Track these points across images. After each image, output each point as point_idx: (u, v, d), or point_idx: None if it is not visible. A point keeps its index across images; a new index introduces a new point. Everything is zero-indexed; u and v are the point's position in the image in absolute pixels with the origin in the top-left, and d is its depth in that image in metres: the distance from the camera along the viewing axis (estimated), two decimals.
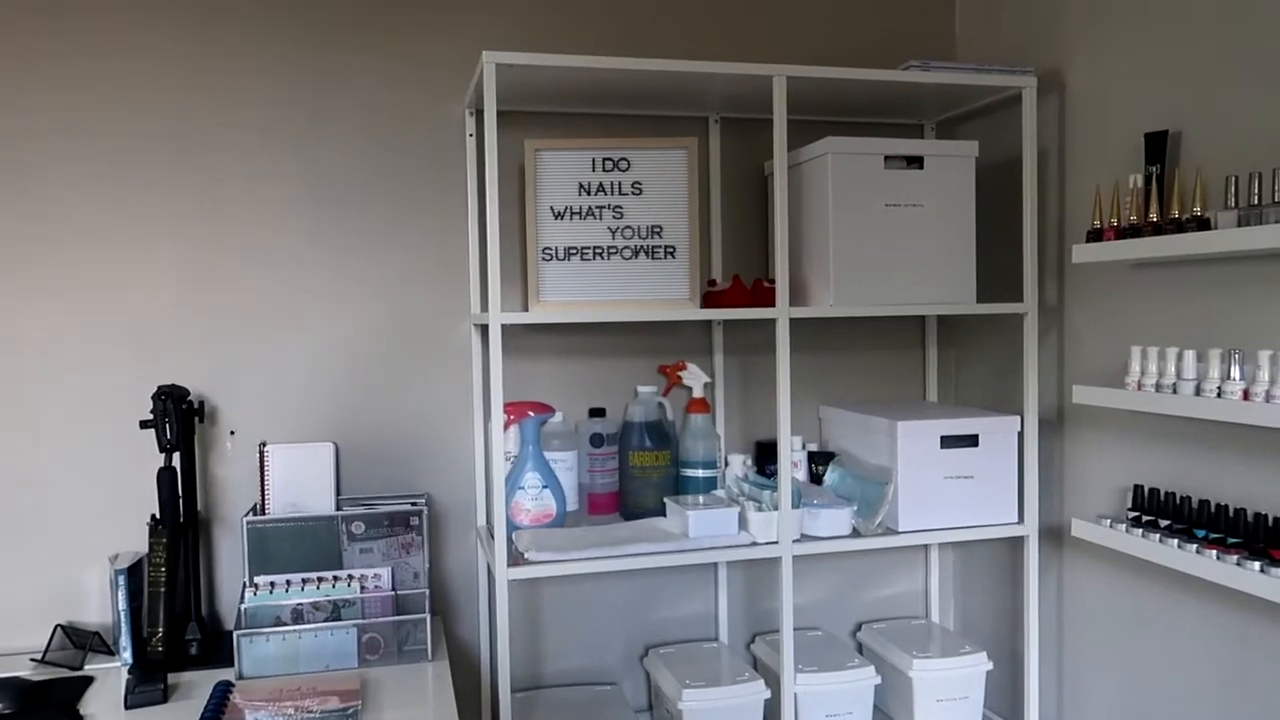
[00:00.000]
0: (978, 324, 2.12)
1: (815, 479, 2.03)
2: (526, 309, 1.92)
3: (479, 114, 1.93)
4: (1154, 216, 1.53)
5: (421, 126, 1.93)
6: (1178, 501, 1.55)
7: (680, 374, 2.01)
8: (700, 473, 1.96)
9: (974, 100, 1.98)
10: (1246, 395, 1.36)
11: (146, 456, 1.80)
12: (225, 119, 1.84)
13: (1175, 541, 1.48)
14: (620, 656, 2.07)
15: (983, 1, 2.10)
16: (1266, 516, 1.39)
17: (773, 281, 1.85)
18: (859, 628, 2.16)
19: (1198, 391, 1.43)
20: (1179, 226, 1.48)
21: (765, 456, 2.09)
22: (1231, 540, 1.43)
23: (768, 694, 1.81)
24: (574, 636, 2.04)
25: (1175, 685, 1.61)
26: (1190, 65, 1.56)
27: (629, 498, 1.95)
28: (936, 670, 1.88)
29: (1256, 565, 1.34)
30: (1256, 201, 1.36)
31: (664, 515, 1.88)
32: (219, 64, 1.84)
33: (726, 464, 2.03)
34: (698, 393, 2.00)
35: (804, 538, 1.78)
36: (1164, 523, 1.55)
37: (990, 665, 1.92)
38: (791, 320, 2.12)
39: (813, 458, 2.06)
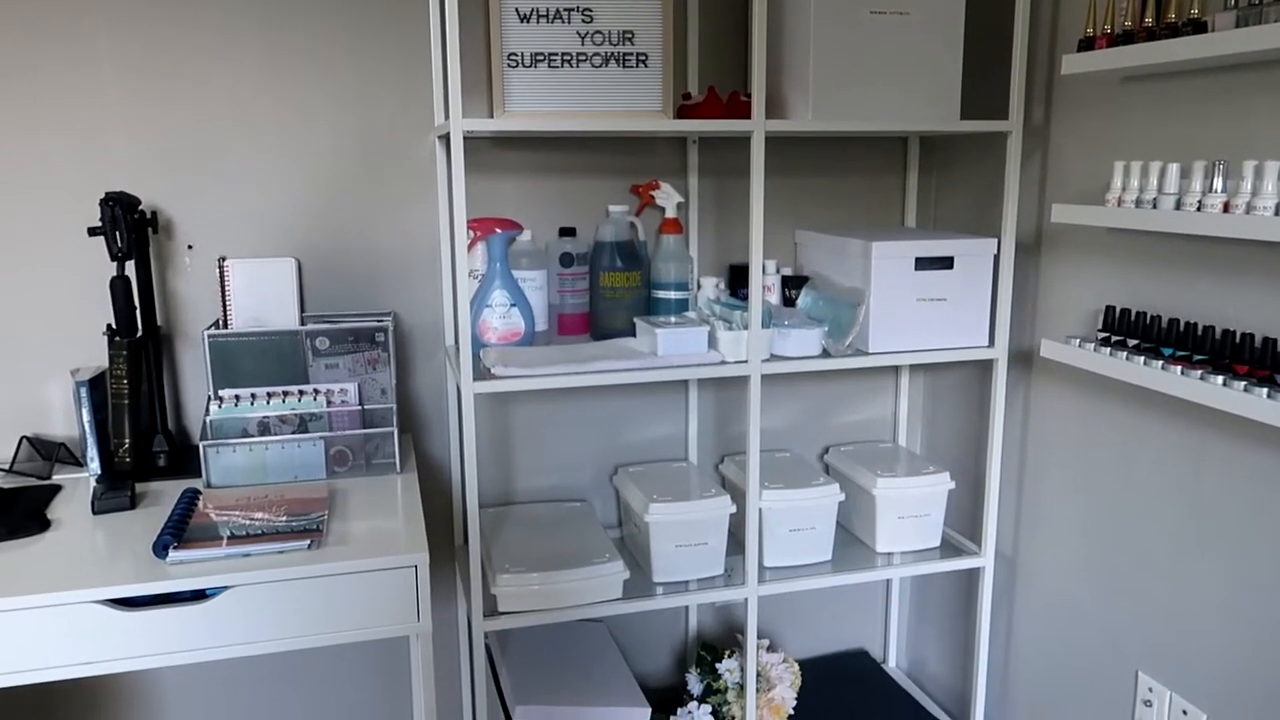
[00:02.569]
0: (960, 148, 2.06)
1: (789, 303, 2.01)
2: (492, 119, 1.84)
3: None
4: (1149, 21, 1.45)
5: None
6: (1148, 321, 1.54)
7: (653, 194, 1.95)
8: (672, 294, 1.94)
9: None
10: (1227, 208, 1.32)
11: (101, 269, 1.75)
12: None
13: (1141, 359, 1.48)
14: (591, 476, 2.10)
15: None
16: (1234, 333, 1.39)
17: (750, 95, 1.77)
18: (827, 450, 2.19)
19: (1178, 206, 1.40)
20: (1174, 31, 1.41)
21: (739, 280, 2.07)
22: (1198, 357, 1.43)
23: (733, 509, 1.85)
24: (545, 456, 2.07)
25: (1130, 502, 1.65)
26: None
27: (599, 319, 1.93)
28: (899, 489, 1.92)
29: (1219, 379, 1.34)
30: (1257, 0, 1.28)
31: (634, 336, 1.86)
32: None
33: (699, 286, 2.00)
34: (670, 213, 1.94)
35: (773, 357, 1.77)
36: (1133, 342, 1.55)
37: (952, 485, 1.96)
38: (770, 141, 2.06)
39: (787, 282, 2.03)
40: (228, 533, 1.39)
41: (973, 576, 2.08)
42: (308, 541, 1.38)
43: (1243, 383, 1.31)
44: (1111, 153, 1.65)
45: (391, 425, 1.72)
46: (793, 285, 2.01)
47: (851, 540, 2.02)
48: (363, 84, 1.83)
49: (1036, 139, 1.82)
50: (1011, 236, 1.81)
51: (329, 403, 1.71)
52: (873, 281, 1.78)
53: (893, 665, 2.37)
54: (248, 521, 1.44)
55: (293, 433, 1.68)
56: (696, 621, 2.22)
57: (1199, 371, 1.38)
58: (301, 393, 1.71)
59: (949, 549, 1.99)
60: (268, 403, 1.68)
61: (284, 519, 1.45)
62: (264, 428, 1.67)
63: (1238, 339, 1.38)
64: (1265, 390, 1.27)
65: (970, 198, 2.03)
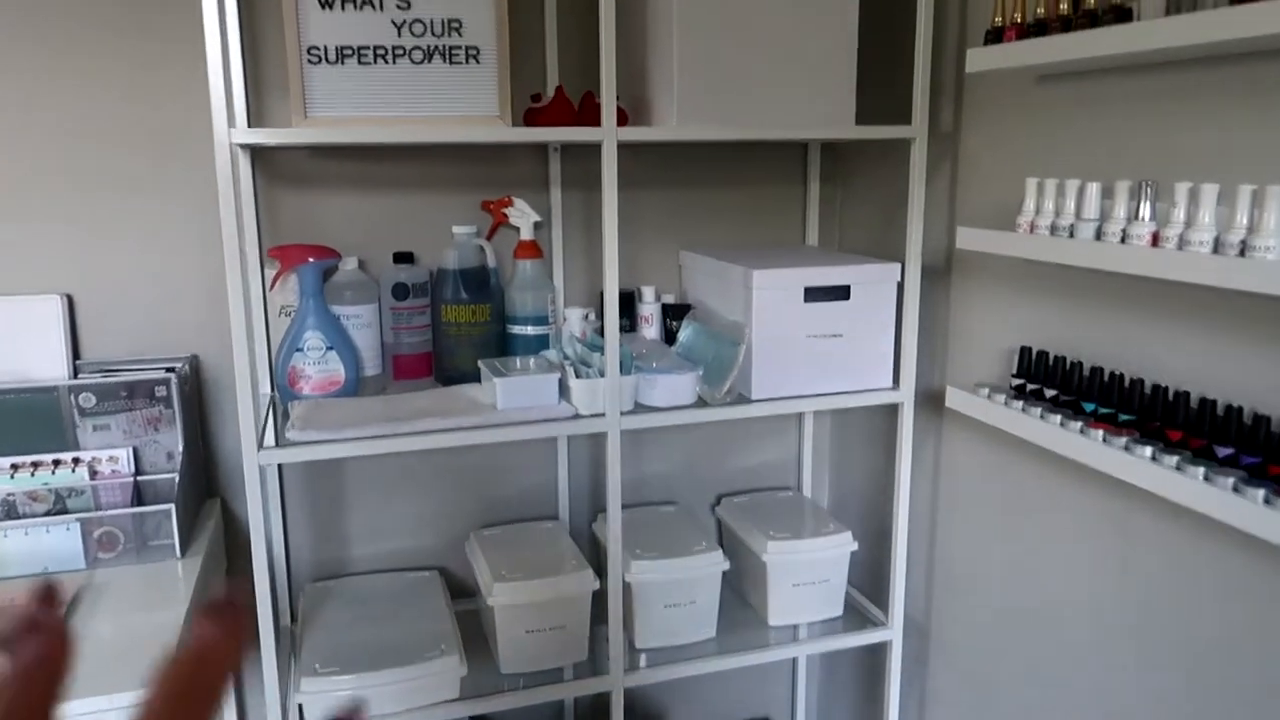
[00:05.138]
0: (867, 155, 1.80)
1: (671, 337, 1.74)
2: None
3: None
4: (1065, 8, 1.20)
5: None
6: (1067, 367, 1.28)
7: (506, 211, 1.67)
8: (529, 330, 1.66)
9: None
10: (1156, 240, 1.07)
11: None
12: None
13: (1059, 417, 1.22)
14: (446, 538, 1.81)
15: None
16: (1165, 389, 1.13)
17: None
18: (719, 501, 1.92)
19: (1099, 236, 1.14)
20: (1093, 21, 1.15)
21: (620, 309, 1.77)
22: (1124, 417, 1.17)
23: (596, 585, 1.57)
24: (391, 516, 1.77)
25: (1051, 574, 1.40)
26: None
27: (443, 360, 1.65)
28: (793, 553, 1.65)
29: (1148, 450, 1.09)
30: None
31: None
32: None
33: (564, 320, 1.72)
34: (526, 234, 1.66)
35: (638, 408, 1.50)
36: (1050, 392, 1.29)
37: (855, 546, 1.70)
38: (654, 147, 1.78)
39: (669, 311, 1.76)
40: None
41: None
42: None
43: (1175, 457, 1.06)
44: (1028, 164, 1.39)
45: (171, 500, 1.42)
46: (675, 315, 1.74)
47: (743, 608, 1.75)
48: (147, 83, 1.52)
49: (945, 146, 1.56)
50: (917, 261, 1.55)
51: (94, 474, 1.41)
52: (754, 316, 1.52)
53: None
54: None
55: (46, 513, 1.38)
56: (574, 701, 1.94)
57: (1124, 438, 1.13)
58: (57, 463, 1.41)
59: (853, 615, 1.74)
60: (12, 476, 1.38)
61: None
62: (9, 508, 1.37)
63: (1170, 396, 1.13)
64: (1201, 470, 1.02)
65: (879, 212, 1.77)
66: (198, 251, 1.59)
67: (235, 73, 1.53)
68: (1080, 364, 1.27)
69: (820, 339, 1.55)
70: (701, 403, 1.52)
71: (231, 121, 1.45)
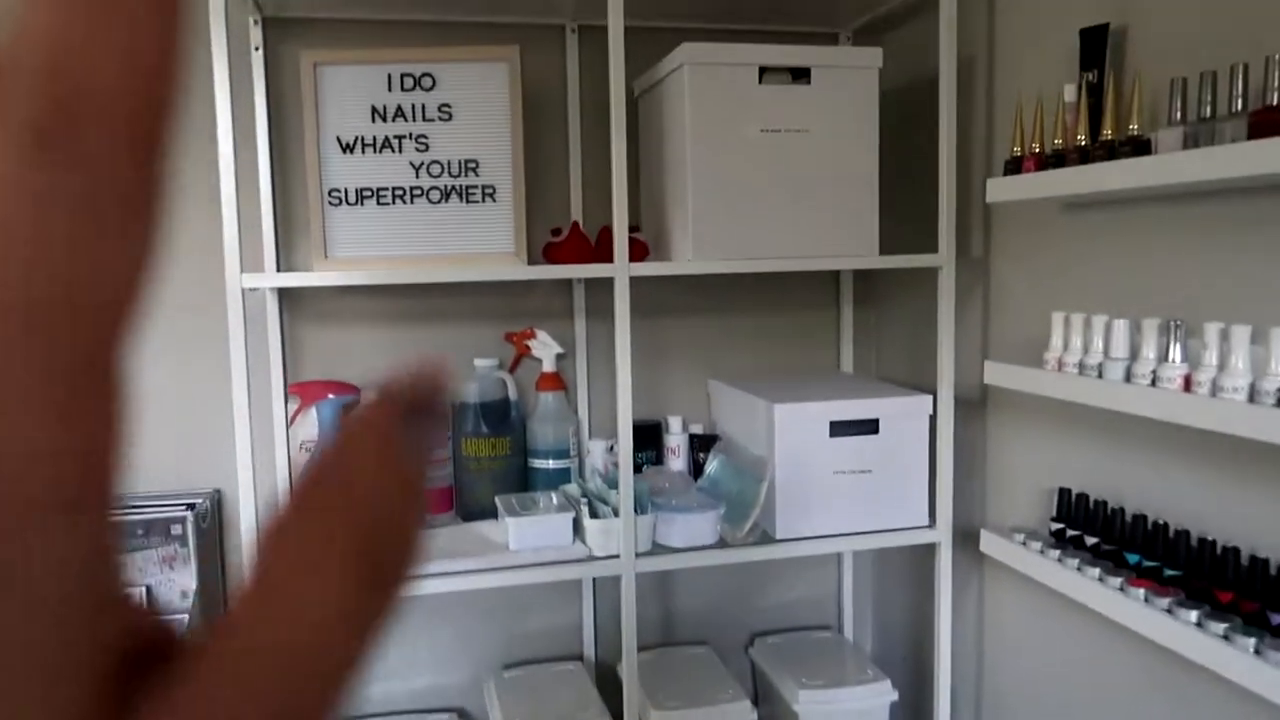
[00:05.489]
0: (901, 278, 1.75)
1: (699, 468, 1.68)
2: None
3: (264, 22, 1.56)
4: (1083, 139, 1.15)
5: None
6: (1108, 513, 1.19)
7: (528, 343, 1.66)
8: (550, 464, 1.62)
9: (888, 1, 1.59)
10: (1188, 384, 0.99)
11: None
12: None
13: (1097, 571, 1.13)
14: (468, 677, 1.75)
15: None
16: (1213, 543, 1.03)
17: (636, 229, 1.50)
18: (753, 641, 1.82)
19: (1128, 377, 1.07)
20: (1111, 152, 1.10)
21: (646, 441, 1.74)
22: (1170, 572, 1.07)
23: None
24: (412, 654, 1.72)
25: None
26: None
27: (464, 494, 1.62)
28: (827, 704, 1.55)
29: (1193, 615, 0.99)
30: (1209, 113, 0.98)
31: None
32: None
33: (588, 452, 1.68)
34: (548, 366, 1.65)
35: (657, 548, 1.44)
36: (1091, 540, 1.20)
37: (894, 695, 1.58)
38: (667, 278, 1.75)
39: (696, 442, 1.71)
40: None
41: None
42: None
43: (1223, 624, 0.96)
44: (1058, 292, 1.33)
45: None
46: (703, 446, 1.69)
47: None
48: (175, 219, 1.57)
49: (977, 273, 1.50)
50: (950, 393, 1.48)
51: None
52: (777, 451, 1.46)
53: None
54: None
55: None
56: None
57: (1168, 598, 1.03)
58: None
59: None
60: None
61: None
62: None
63: (1218, 551, 1.03)
64: (1252, 641, 0.92)
65: (915, 337, 1.71)
66: (224, 386, 1.60)
67: (265, 214, 1.57)
68: (1122, 510, 1.17)
69: (849, 475, 1.48)
70: (723, 543, 1.45)
71: (258, 266, 1.49)
